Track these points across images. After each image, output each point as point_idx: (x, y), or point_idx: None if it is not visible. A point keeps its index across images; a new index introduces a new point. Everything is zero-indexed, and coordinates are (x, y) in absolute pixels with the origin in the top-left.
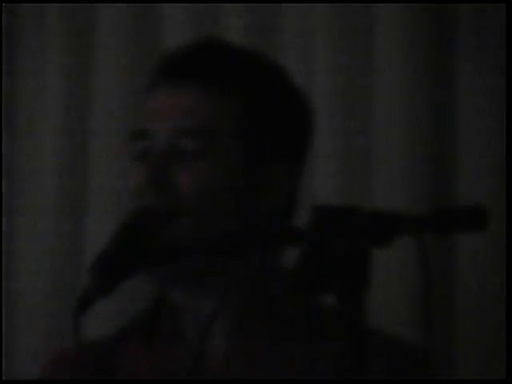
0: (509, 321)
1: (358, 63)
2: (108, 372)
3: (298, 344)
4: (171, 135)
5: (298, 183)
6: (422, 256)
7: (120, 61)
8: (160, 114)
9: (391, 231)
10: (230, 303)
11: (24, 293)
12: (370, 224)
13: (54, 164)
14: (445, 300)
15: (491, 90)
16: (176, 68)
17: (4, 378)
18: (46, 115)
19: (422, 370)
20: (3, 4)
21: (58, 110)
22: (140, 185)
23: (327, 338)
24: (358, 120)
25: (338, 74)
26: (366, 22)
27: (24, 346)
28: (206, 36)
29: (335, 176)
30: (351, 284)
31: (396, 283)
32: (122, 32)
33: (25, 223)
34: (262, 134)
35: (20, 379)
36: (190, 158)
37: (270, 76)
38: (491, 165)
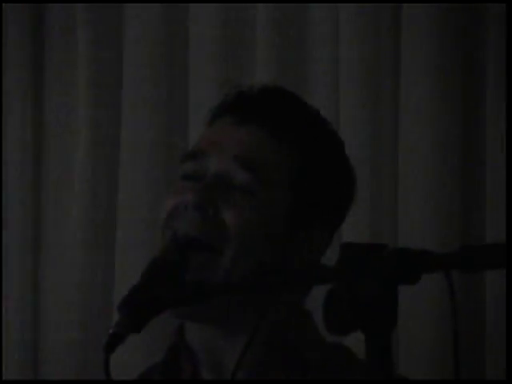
0: (509, 321)
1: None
2: None
3: (314, 376)
4: (226, 162)
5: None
6: (450, 292)
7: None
8: (219, 141)
9: (419, 268)
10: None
11: (53, 328)
12: (397, 261)
13: (82, 197)
14: (474, 338)
15: None
16: (245, 106)
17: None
18: (75, 145)
19: None
20: (3, 4)
21: (86, 141)
22: (186, 203)
23: (341, 370)
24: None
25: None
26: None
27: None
28: (278, 84)
29: (363, 214)
30: (379, 322)
31: (423, 320)
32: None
33: (53, 258)
34: (310, 196)
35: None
36: (239, 192)
37: (329, 145)
38: None
